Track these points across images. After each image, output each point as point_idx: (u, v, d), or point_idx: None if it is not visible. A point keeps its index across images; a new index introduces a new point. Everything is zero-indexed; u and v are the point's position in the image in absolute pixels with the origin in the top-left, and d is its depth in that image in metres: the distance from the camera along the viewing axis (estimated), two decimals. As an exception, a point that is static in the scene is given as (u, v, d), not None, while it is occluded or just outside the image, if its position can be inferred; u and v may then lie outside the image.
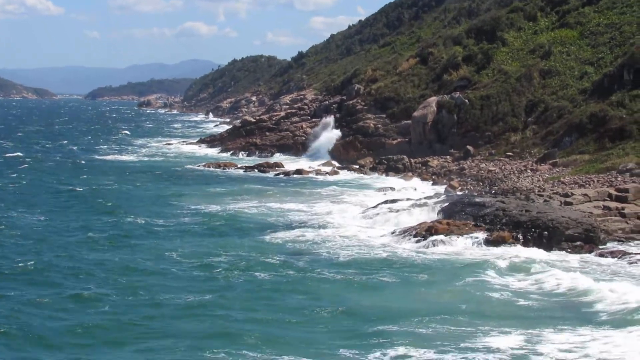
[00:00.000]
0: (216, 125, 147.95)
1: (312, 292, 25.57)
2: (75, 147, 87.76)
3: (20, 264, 28.14)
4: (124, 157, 77.31)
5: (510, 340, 20.64)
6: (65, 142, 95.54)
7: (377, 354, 19.49)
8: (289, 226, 37.72)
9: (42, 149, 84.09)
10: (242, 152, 79.88)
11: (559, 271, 27.73)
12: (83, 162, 68.90)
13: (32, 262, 28.35)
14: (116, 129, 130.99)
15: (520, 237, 32.66)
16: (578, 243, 31.89)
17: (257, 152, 78.70)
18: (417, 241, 33.56)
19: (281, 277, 27.38)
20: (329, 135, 73.29)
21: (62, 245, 32.19)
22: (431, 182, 54.39)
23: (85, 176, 58.23)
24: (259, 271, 28.18)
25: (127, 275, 27.21)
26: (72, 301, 23.79)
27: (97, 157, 76.47)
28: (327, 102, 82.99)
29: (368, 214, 40.23)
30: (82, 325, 21.33)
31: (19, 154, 75.47)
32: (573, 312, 23.53)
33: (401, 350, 19.62)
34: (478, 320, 22.38)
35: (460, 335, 21.04)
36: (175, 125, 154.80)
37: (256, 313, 23.11)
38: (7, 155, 74.25)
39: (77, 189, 50.51)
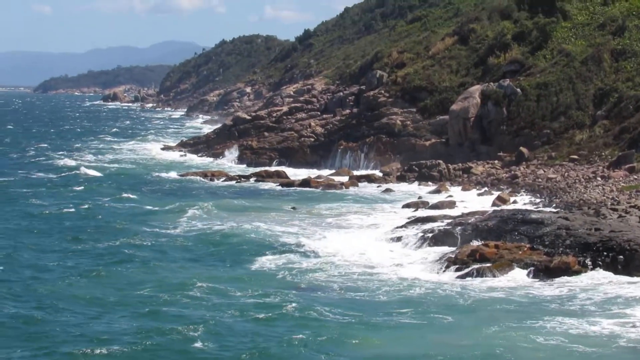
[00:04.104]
0: (202, 123, 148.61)
1: (313, 331, 25.97)
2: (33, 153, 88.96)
3: None
4: (77, 163, 77.83)
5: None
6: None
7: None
8: (288, 250, 38.05)
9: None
10: (234, 158, 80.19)
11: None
12: (38, 175, 69.27)
13: None
14: (77, 132, 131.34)
15: (589, 263, 32.64)
16: (663, 270, 31.91)
17: (253, 158, 78.91)
18: (456, 270, 33.67)
19: (276, 317, 27.61)
20: None
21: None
22: (475, 193, 54.51)
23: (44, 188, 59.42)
24: (249, 308, 28.48)
25: (91, 313, 27.68)
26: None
27: (56, 163, 77.18)
28: (341, 94, 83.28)
29: (393, 236, 40.39)
30: None
31: None
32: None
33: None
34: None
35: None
36: (149, 125, 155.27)
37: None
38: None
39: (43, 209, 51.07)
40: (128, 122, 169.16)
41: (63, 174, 69.29)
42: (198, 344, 24.82)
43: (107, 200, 53.90)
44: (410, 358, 23.96)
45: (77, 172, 70.58)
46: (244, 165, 77.04)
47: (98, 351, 24.01)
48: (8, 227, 43.96)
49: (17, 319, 27.14)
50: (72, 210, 50.15)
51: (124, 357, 23.90)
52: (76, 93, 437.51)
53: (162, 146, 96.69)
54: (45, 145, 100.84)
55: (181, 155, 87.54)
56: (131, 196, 55.85)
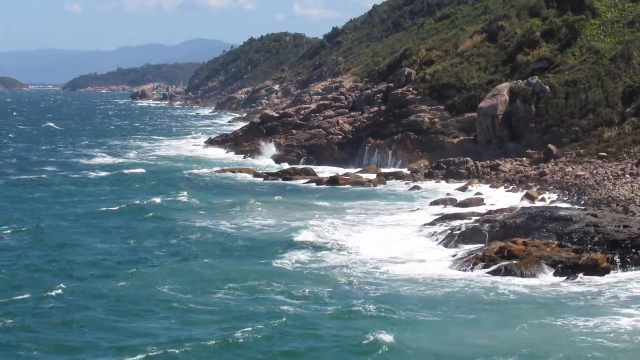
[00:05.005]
0: (229, 122, 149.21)
1: (344, 327, 26.31)
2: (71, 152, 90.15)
3: None
4: (118, 160, 79.11)
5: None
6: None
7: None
8: (316, 247, 38.44)
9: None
10: (270, 155, 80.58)
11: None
12: (79, 173, 70.04)
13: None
14: (112, 131, 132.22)
15: (617, 260, 32.66)
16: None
17: (281, 155, 79.20)
18: (484, 267, 33.77)
19: (306, 314, 27.95)
20: None
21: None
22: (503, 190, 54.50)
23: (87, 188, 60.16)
24: (280, 304, 28.92)
25: (126, 311, 28.16)
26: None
27: (88, 162, 78.32)
28: (369, 91, 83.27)
29: (421, 233, 40.61)
30: None
31: None
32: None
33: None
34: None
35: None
36: (181, 123, 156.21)
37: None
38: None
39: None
40: (161, 119, 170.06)
41: (102, 172, 70.08)
42: (232, 341, 25.03)
43: (146, 198, 54.11)
44: (435, 355, 24.12)
45: (116, 170, 71.42)
46: (273, 162, 77.47)
47: (134, 350, 24.29)
48: (50, 225, 44.19)
49: (52, 318, 27.40)
50: (114, 208, 50.30)
51: (159, 358, 24.22)
52: (104, 91, 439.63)
53: (196, 144, 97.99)
54: (85, 142, 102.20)
55: (215, 152, 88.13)
56: (169, 193, 56.32)
